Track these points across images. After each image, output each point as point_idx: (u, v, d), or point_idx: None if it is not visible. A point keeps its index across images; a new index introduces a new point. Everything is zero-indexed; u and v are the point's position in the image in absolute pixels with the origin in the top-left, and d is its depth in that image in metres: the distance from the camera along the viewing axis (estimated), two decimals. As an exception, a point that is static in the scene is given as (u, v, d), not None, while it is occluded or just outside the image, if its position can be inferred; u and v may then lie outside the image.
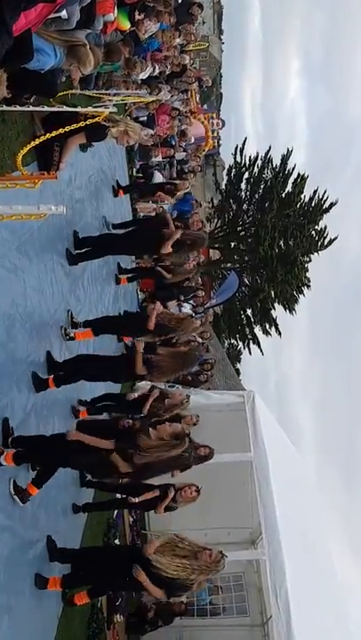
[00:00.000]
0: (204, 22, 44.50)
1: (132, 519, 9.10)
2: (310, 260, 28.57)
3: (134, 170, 12.53)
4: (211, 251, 29.81)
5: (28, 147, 4.37)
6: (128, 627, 8.16)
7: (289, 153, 28.71)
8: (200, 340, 12.51)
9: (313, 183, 28.38)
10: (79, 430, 4.99)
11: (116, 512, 7.88)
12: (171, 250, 7.40)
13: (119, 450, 4.71)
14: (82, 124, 5.11)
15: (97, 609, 6.57)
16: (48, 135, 4.57)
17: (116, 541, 7.68)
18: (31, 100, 5.25)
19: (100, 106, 6.50)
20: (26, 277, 5.28)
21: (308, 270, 28.57)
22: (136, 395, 6.91)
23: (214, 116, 26.02)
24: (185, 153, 15.03)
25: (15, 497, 4.51)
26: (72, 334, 6.42)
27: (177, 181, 11.74)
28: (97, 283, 8.25)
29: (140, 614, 8.60)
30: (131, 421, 4.96)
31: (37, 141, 4.48)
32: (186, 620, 8.99)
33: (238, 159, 29.93)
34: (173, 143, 13.84)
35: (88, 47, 5.43)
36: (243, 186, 29.58)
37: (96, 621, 6.42)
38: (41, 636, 4.83)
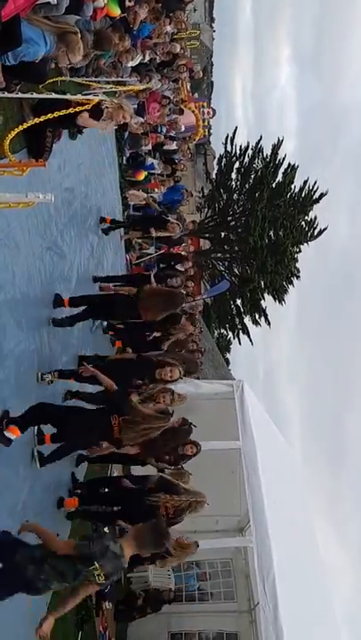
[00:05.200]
0: (195, 10, 44.05)
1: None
2: (300, 251, 28.62)
3: (124, 158, 12.46)
4: (201, 240, 29.78)
5: (14, 132, 4.32)
6: (117, 614, 8.23)
7: (279, 143, 28.64)
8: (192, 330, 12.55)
9: (302, 170, 28.39)
10: None
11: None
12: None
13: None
14: (71, 110, 5.06)
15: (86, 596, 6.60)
16: (36, 120, 4.52)
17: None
18: (19, 87, 5.20)
19: (90, 93, 6.44)
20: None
21: (297, 261, 28.62)
22: None
23: (205, 104, 25.91)
24: (175, 142, 14.95)
25: None
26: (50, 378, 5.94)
27: (170, 217, 11.64)
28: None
29: (128, 601, 8.67)
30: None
31: (24, 126, 4.44)
32: (174, 606, 9.08)
33: (229, 148, 29.83)
34: (163, 132, 13.76)
35: (79, 36, 5.38)
36: (233, 175, 29.49)
37: (85, 608, 6.45)
38: (29, 623, 4.81)
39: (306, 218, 28.26)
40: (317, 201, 28.17)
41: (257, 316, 30.24)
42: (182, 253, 12.90)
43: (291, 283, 29.02)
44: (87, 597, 6.52)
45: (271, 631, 6.23)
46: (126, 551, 3.71)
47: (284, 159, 28.36)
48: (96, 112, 5.99)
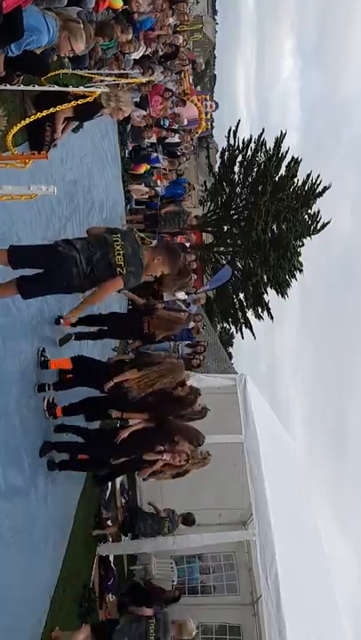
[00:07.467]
0: (197, 2, 43.70)
1: (123, 500, 9.16)
2: (303, 245, 28.53)
3: (126, 152, 12.43)
4: (203, 234, 29.71)
5: (19, 126, 4.31)
6: (120, 606, 8.24)
7: (282, 136, 28.48)
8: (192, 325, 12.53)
9: (305, 164, 28.26)
10: None
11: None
12: None
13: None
14: (73, 103, 5.04)
15: (89, 588, 6.64)
16: (39, 114, 4.50)
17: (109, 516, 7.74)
18: (21, 79, 5.17)
19: (92, 86, 6.41)
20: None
21: (300, 254, 28.54)
22: None
23: (208, 98, 25.69)
24: (178, 135, 14.90)
25: None
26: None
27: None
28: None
29: (131, 593, 8.69)
30: None
31: (28, 120, 4.42)
32: (177, 598, 9.10)
33: (232, 142, 29.71)
34: (166, 125, 13.71)
35: (82, 25, 5.34)
36: (236, 169, 29.37)
37: (88, 600, 6.49)
38: (32, 615, 4.85)
39: (309, 211, 28.14)
40: (321, 194, 28.03)
41: (260, 310, 30.19)
42: (185, 244, 12.90)
43: (294, 277, 28.92)
44: (91, 590, 6.62)
45: (274, 624, 6.24)
46: (147, 258, 4.32)
47: (287, 152, 28.23)
48: (89, 110, 5.95)
